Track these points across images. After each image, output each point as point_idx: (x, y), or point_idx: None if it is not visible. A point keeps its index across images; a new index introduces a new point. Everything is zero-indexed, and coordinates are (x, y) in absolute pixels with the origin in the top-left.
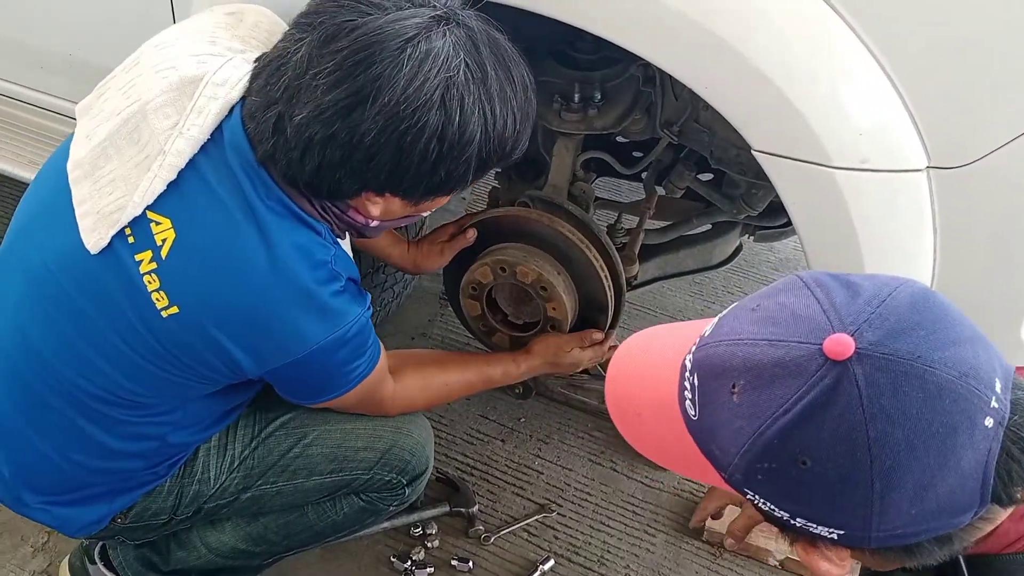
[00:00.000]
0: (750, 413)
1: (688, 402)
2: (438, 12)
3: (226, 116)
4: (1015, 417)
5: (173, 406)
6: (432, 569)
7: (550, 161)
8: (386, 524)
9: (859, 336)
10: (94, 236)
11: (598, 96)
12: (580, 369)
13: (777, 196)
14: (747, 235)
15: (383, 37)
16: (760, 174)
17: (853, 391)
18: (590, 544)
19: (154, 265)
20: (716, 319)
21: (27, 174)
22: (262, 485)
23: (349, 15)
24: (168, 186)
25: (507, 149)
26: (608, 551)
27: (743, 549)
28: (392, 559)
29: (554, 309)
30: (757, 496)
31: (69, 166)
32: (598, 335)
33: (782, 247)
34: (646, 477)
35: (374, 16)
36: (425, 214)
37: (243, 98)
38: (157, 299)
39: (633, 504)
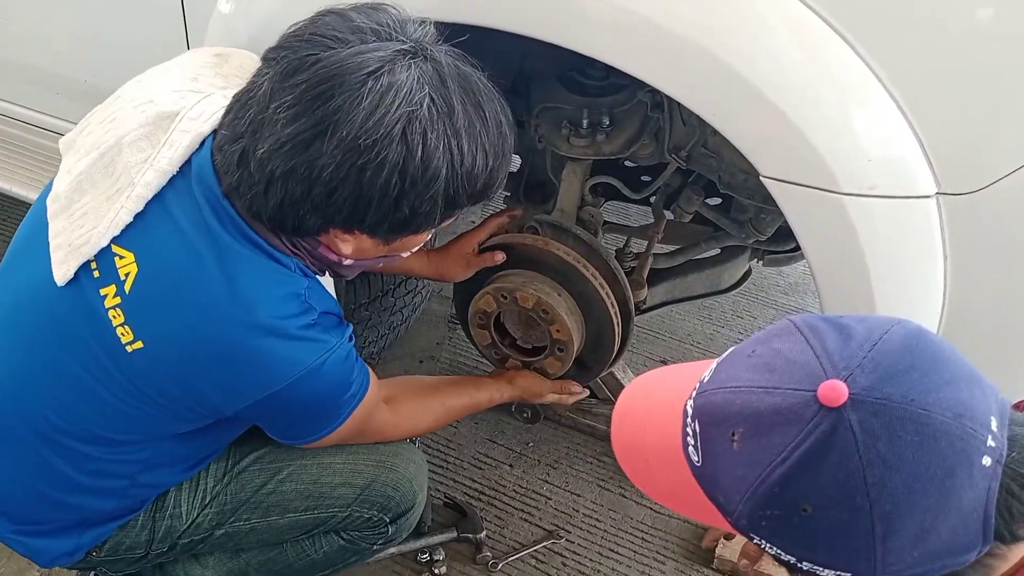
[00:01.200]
0: (750, 461)
1: (691, 448)
2: (405, 46)
3: (196, 149)
4: (1013, 454)
5: (143, 444)
6: None
7: (559, 185)
8: (393, 550)
9: (852, 381)
10: (62, 268)
11: (606, 122)
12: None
13: (786, 221)
14: (756, 259)
15: (344, 70)
16: (768, 199)
17: (849, 437)
18: (599, 571)
19: (118, 300)
20: (715, 363)
21: None
22: (235, 522)
23: (312, 49)
24: (135, 218)
25: (478, 186)
26: None
27: (756, 573)
28: None
29: (558, 331)
30: (764, 541)
31: (48, 200)
32: (576, 388)
33: (791, 271)
34: (655, 504)
35: (337, 50)
36: (404, 254)
37: (214, 132)
38: (122, 334)
39: (642, 531)
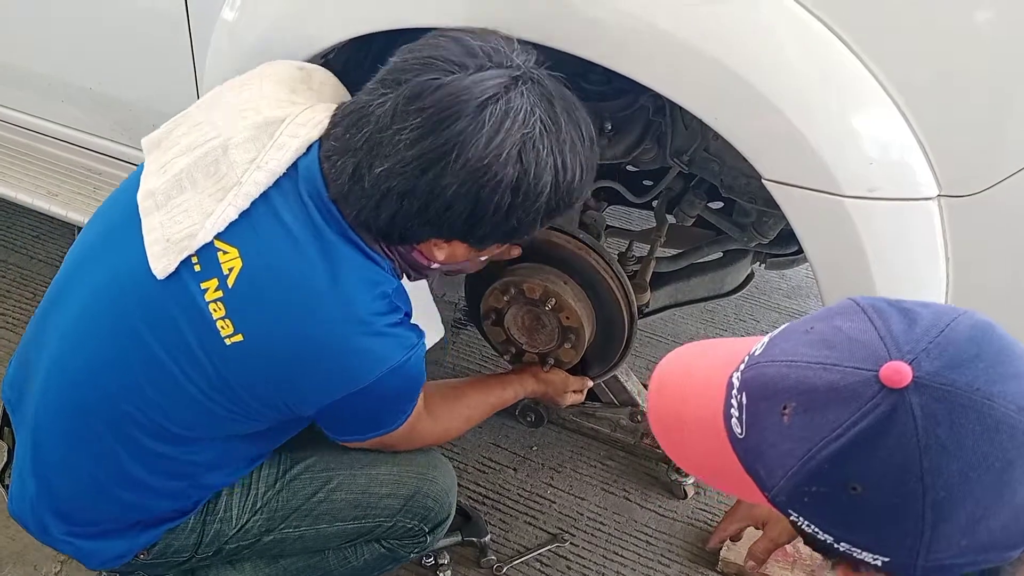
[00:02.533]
0: (800, 436)
1: (734, 420)
2: (518, 72)
3: (303, 154)
4: None
5: (211, 443)
6: None
7: None
8: None
9: (917, 365)
10: (162, 262)
11: (609, 127)
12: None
13: (788, 224)
14: (758, 263)
15: (467, 97)
16: (770, 202)
17: (909, 420)
18: (603, 574)
19: (220, 293)
20: (767, 338)
21: (47, 206)
22: (284, 528)
23: (434, 74)
24: (240, 216)
25: (573, 197)
26: None
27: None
28: None
29: (567, 318)
30: (801, 518)
31: (140, 196)
32: (587, 383)
33: (793, 274)
34: (660, 506)
35: (458, 76)
36: (484, 259)
37: (320, 139)
38: (222, 327)
39: (647, 533)
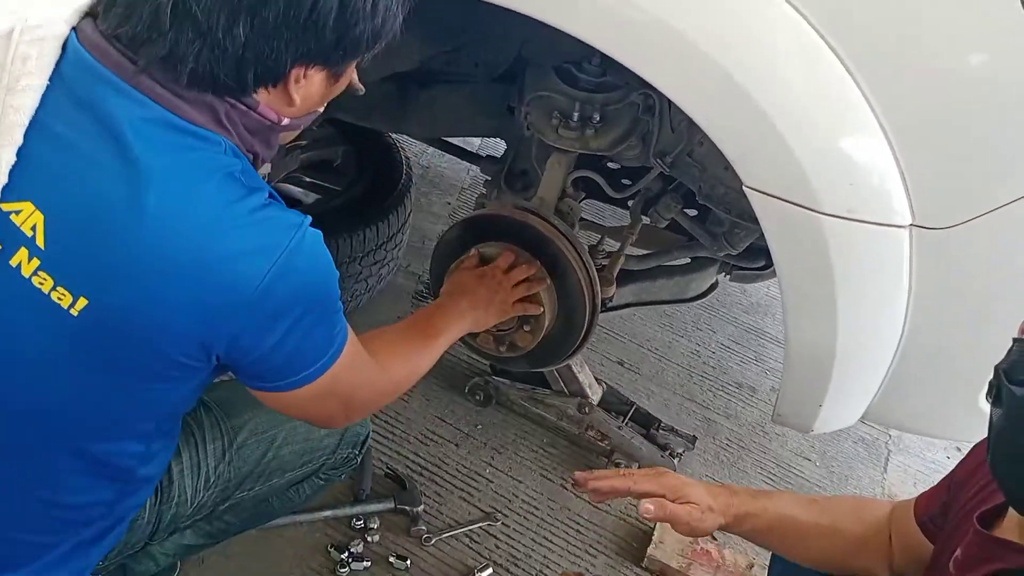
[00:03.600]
0: None
1: None
2: None
3: (61, 55)
4: None
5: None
6: (369, 563)
7: (541, 174)
8: (327, 512)
9: None
10: None
11: (597, 118)
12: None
13: (758, 238)
14: (724, 273)
15: None
16: (744, 214)
17: None
18: (530, 557)
19: (37, 262)
20: None
21: None
22: (239, 494)
23: None
24: (16, 159)
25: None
26: (547, 566)
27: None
28: (329, 548)
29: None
30: None
31: None
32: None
33: (754, 291)
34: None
35: None
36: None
37: (76, 29)
38: (59, 298)
39: (578, 523)
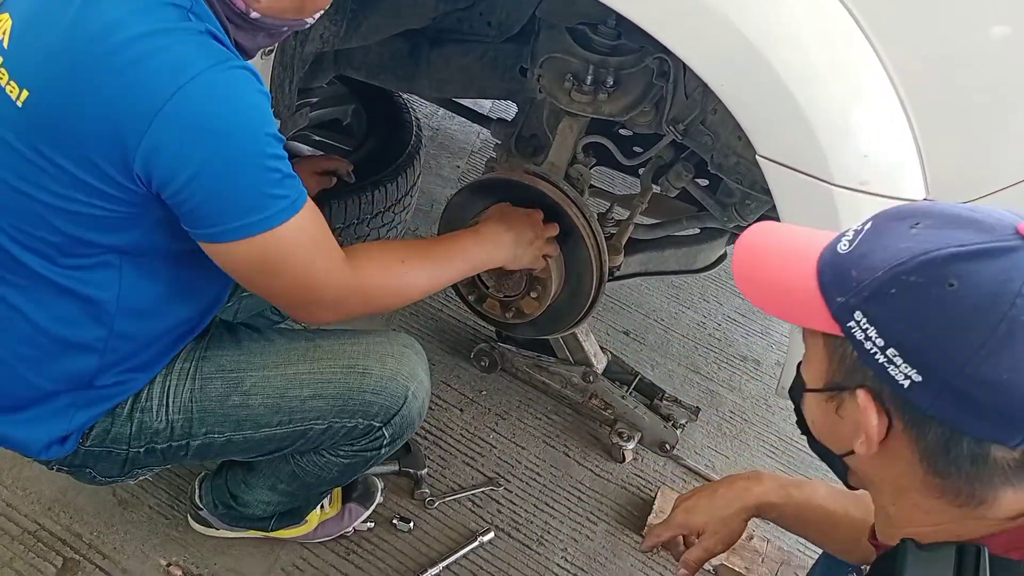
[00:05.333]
0: (924, 240)
1: (843, 241)
2: None
3: None
4: None
5: (107, 268)
6: (372, 524)
7: (552, 139)
8: None
9: None
10: None
11: (610, 82)
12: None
13: (769, 210)
14: (732, 245)
15: None
16: (755, 185)
17: None
18: (531, 523)
19: (1, 59)
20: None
21: None
22: (208, 434)
23: None
24: None
25: None
26: (548, 532)
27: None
28: None
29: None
30: (865, 320)
31: None
32: (554, 251)
33: None
34: (597, 466)
35: None
36: (310, 20)
37: None
38: (10, 90)
39: (580, 490)
